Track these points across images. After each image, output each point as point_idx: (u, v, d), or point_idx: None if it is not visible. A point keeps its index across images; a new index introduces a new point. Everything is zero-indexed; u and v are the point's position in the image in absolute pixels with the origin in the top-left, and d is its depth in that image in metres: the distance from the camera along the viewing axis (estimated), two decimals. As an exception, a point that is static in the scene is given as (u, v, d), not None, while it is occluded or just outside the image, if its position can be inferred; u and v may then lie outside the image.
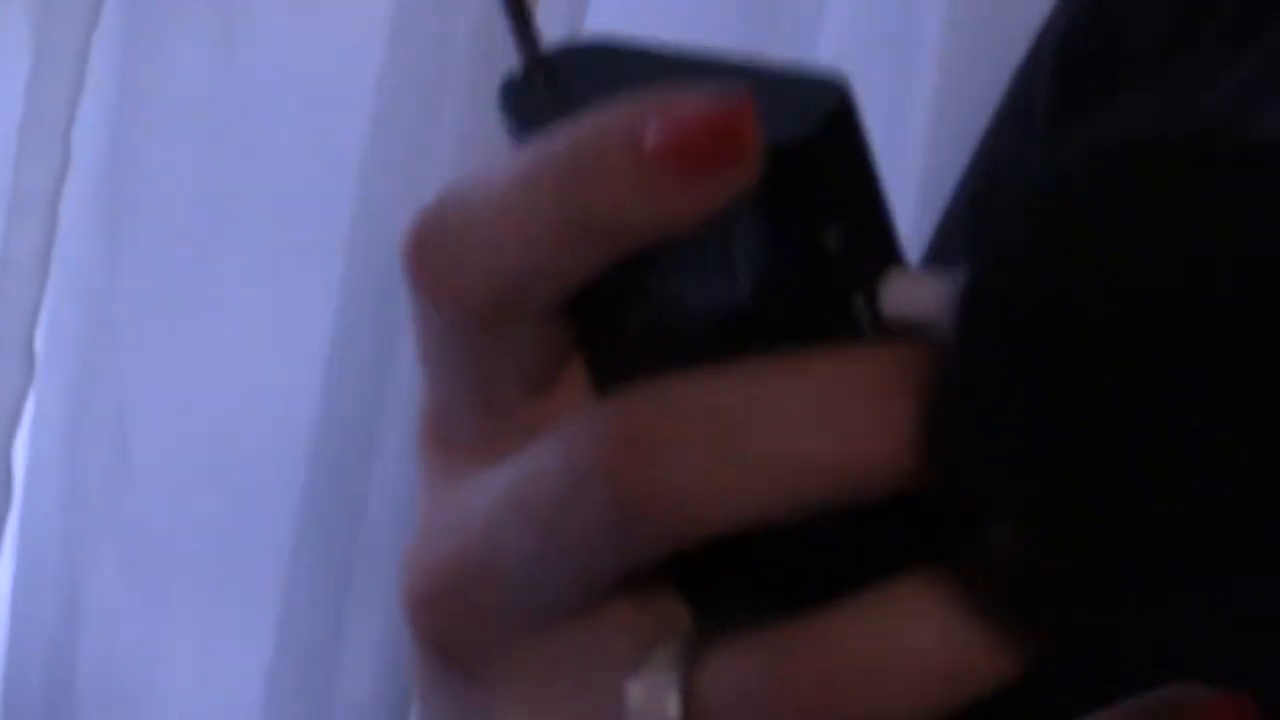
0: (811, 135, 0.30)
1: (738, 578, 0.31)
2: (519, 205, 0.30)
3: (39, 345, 1.18)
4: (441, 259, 0.30)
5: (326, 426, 1.10)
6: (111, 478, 1.20)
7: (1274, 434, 0.28)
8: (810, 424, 0.29)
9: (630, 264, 0.30)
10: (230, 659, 1.18)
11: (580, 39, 0.34)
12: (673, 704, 0.30)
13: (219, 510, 1.18)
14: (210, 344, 1.18)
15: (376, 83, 1.08)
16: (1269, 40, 0.53)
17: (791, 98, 0.31)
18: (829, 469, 0.29)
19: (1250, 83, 0.52)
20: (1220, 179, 0.28)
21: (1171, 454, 0.28)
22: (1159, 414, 0.28)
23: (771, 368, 0.30)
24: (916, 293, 0.31)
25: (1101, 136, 0.29)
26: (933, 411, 0.29)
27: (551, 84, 0.32)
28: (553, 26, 0.98)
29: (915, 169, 0.89)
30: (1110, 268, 0.28)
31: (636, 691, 0.30)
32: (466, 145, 1.06)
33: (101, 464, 1.20)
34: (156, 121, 1.16)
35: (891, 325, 0.31)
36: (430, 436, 0.33)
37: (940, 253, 0.61)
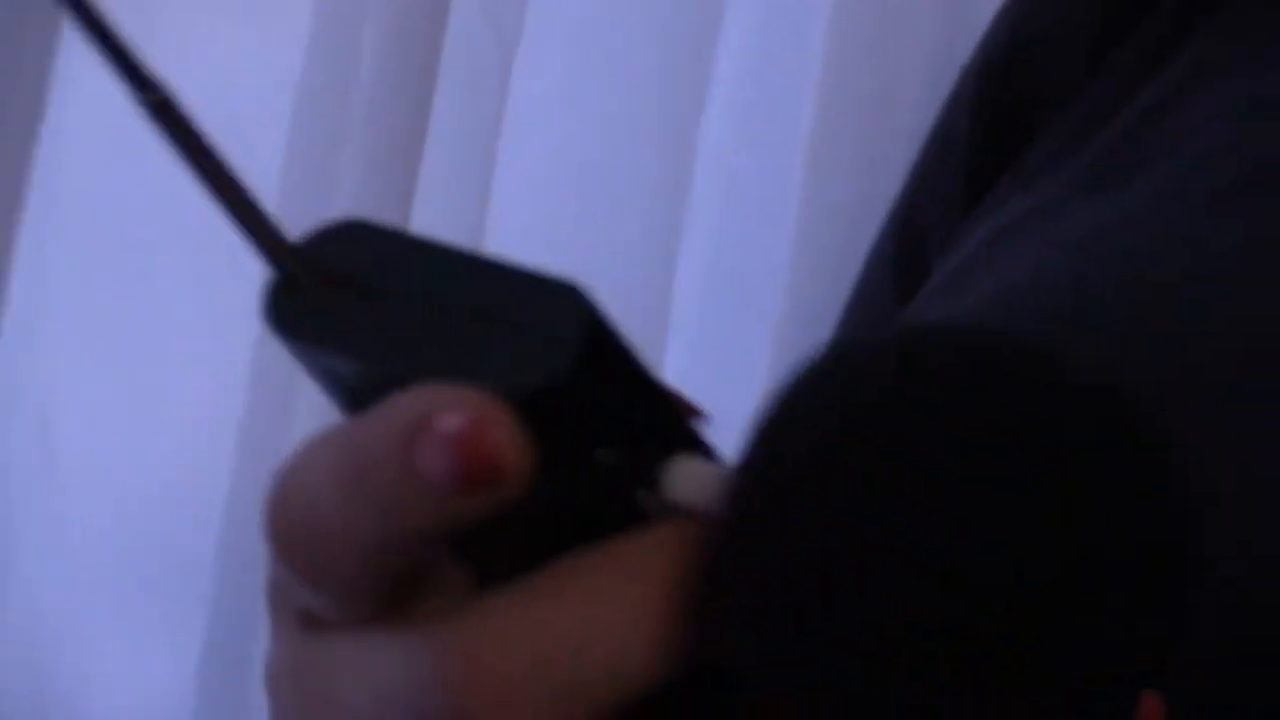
0: (564, 377, 0.31)
1: None
2: (331, 512, 0.32)
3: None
4: (285, 536, 0.33)
5: (253, 423, 1.12)
6: (36, 471, 1.22)
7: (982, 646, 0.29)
8: (579, 644, 0.31)
9: None
10: (159, 651, 1.19)
11: (327, 226, 0.34)
12: None
13: (145, 504, 1.20)
14: (134, 345, 1.19)
15: (293, 100, 1.10)
16: (1193, 50, 0.54)
17: (535, 323, 0.31)
18: (610, 679, 0.31)
19: (1171, 92, 0.53)
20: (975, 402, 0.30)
21: (900, 663, 0.29)
22: (901, 623, 0.29)
23: (552, 588, 0.32)
24: (694, 480, 0.32)
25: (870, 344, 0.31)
26: (691, 596, 0.31)
27: (306, 295, 0.33)
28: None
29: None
30: (859, 478, 0.29)
31: None
32: (375, 163, 1.09)
33: (25, 458, 1.22)
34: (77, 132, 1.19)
35: (677, 510, 0.32)
36: (278, 604, 0.36)
37: (867, 282, 0.62)
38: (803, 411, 0.31)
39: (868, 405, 0.30)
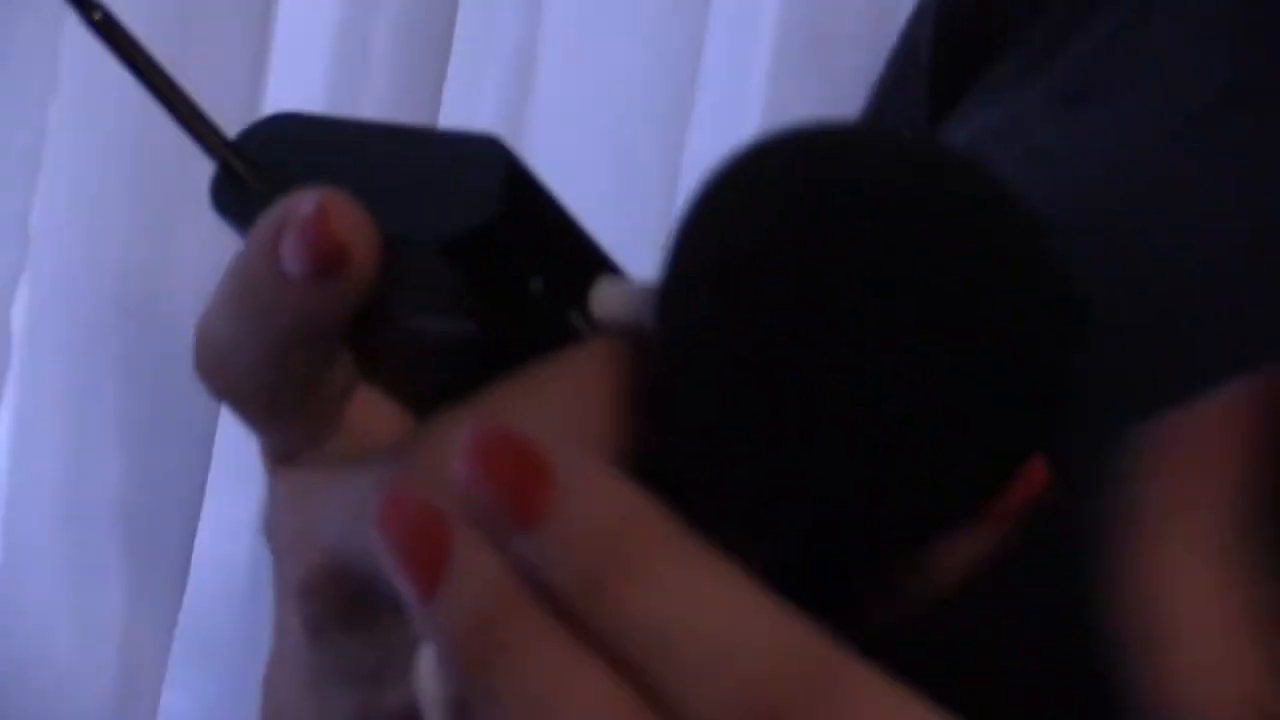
0: (489, 216, 0.33)
1: None
2: (225, 334, 0.35)
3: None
4: (203, 368, 0.36)
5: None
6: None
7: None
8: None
9: (393, 315, 0.35)
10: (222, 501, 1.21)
11: (260, 120, 0.37)
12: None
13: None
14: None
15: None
16: None
17: (461, 175, 0.34)
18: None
19: (1139, 8, 0.52)
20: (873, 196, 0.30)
21: (831, 444, 0.30)
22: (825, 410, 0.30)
23: (505, 398, 0.33)
24: (621, 297, 0.34)
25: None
26: (632, 401, 0.32)
27: (245, 182, 0.36)
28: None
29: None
30: (767, 281, 0.30)
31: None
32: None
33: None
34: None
35: (606, 327, 0.34)
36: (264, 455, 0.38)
37: None
38: (723, 214, 0.32)
39: (776, 209, 0.31)
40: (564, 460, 0.29)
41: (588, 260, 0.35)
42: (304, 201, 0.34)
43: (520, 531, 0.29)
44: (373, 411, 0.37)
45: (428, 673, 0.31)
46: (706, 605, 0.29)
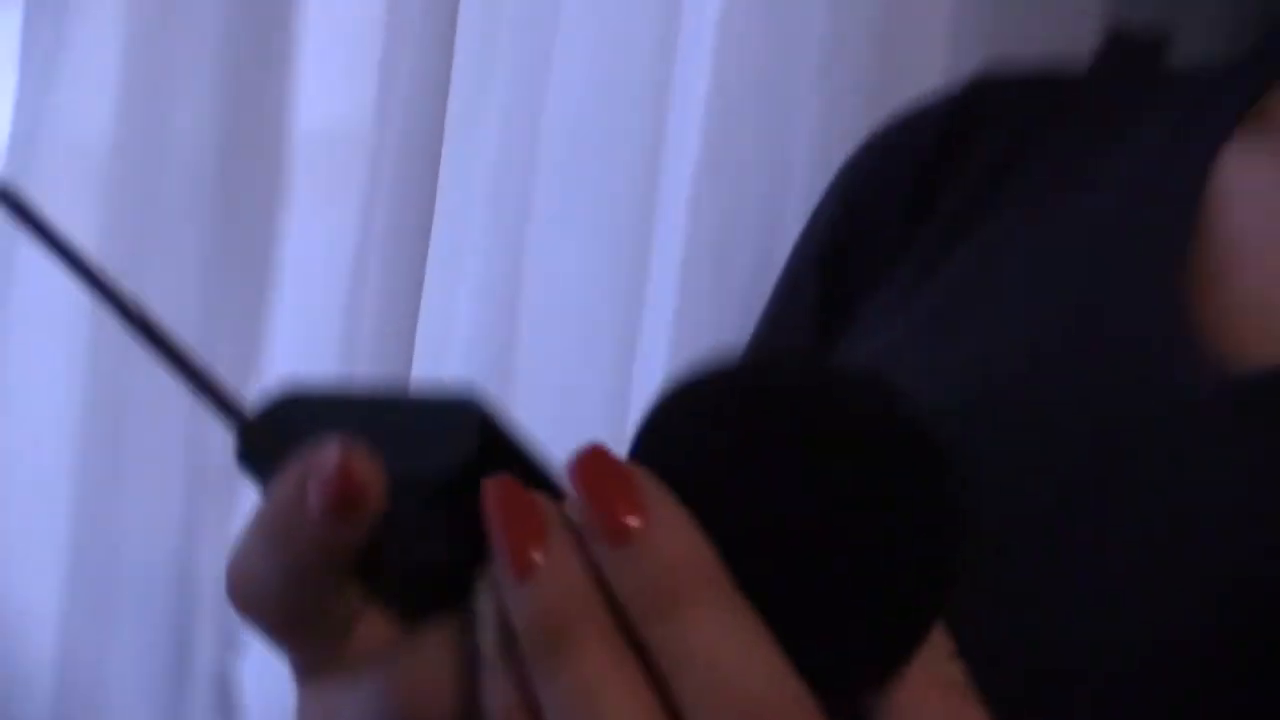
0: (466, 461, 0.37)
1: None
2: (255, 565, 0.39)
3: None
4: (236, 596, 0.40)
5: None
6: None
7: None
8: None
9: (392, 546, 0.39)
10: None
11: (270, 393, 0.41)
12: None
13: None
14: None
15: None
16: (987, 229, 0.58)
17: (442, 426, 0.38)
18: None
19: (961, 276, 0.56)
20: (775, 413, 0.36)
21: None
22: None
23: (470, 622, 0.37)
24: None
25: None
26: None
27: (260, 446, 0.40)
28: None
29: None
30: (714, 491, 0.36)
31: None
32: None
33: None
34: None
35: None
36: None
37: None
38: (655, 455, 0.37)
39: (696, 455, 0.36)
40: (656, 499, 0.35)
41: (556, 492, 0.38)
42: (328, 451, 0.38)
43: (606, 546, 0.35)
44: (377, 627, 0.41)
45: (484, 601, 0.37)
46: (729, 647, 0.34)
